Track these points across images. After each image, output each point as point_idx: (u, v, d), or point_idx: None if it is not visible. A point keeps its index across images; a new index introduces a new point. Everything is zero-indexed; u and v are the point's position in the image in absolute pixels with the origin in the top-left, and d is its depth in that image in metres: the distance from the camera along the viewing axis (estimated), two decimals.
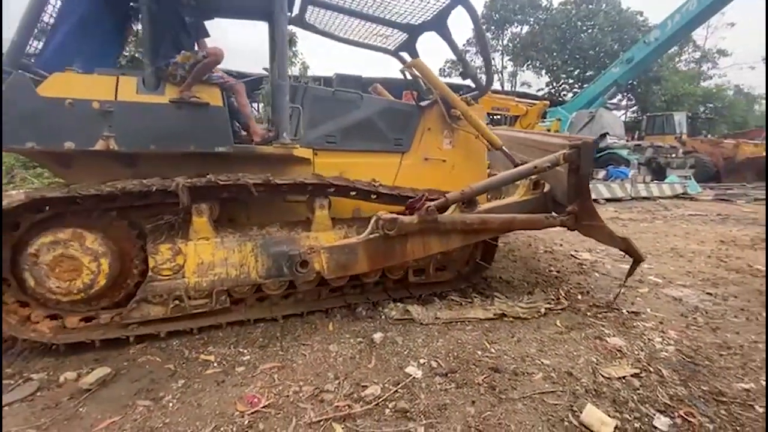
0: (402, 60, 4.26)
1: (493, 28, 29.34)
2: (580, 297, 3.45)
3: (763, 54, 29.73)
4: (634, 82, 25.01)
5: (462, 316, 2.97)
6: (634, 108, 28.11)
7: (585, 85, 21.19)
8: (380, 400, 2.03)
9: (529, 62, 29.52)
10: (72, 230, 2.50)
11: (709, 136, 19.13)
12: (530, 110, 12.48)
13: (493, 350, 2.54)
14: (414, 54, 4.17)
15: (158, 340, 2.64)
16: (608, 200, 9.37)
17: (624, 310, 3.15)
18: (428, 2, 3.43)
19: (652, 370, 2.32)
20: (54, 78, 2.49)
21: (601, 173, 11.63)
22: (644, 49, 15.67)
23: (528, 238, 5.49)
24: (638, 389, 2.13)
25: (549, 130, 13.10)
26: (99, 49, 3.10)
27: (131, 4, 3.25)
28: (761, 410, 1.98)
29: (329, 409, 1.97)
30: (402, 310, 3.03)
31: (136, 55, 9.15)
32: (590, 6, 26.49)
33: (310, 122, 3.19)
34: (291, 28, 4.55)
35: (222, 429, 1.84)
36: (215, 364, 2.41)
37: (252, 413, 1.93)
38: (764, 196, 9.92)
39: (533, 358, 2.45)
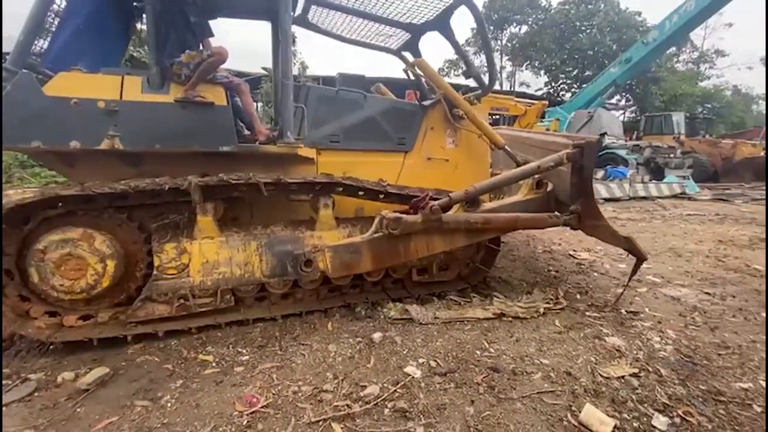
0: (404, 60, 4.27)
1: (492, 28, 29.33)
2: (578, 297, 3.45)
3: (761, 54, 29.92)
4: (633, 83, 25.05)
5: (461, 316, 2.97)
6: (633, 108, 28.14)
7: (583, 85, 21.18)
8: (379, 399, 2.03)
9: (528, 62, 29.56)
10: (83, 230, 2.53)
11: (707, 136, 19.16)
12: (529, 110, 12.49)
13: (492, 350, 2.54)
14: (417, 54, 4.18)
15: (156, 339, 2.63)
16: (607, 200, 9.39)
17: (622, 310, 3.15)
18: (431, 2, 3.43)
19: (650, 369, 2.33)
20: (60, 77, 2.51)
21: (600, 173, 11.66)
22: (643, 49, 15.68)
23: (526, 238, 5.49)
24: (637, 389, 2.14)
25: (548, 130, 13.12)
26: (103, 49, 3.11)
27: (135, 3, 3.24)
28: (759, 409, 1.98)
29: (328, 408, 1.97)
30: (401, 309, 3.03)
31: (134, 54, 9.14)
32: (589, 6, 26.52)
33: (313, 122, 3.19)
34: (291, 28, 4.57)
35: (221, 429, 1.83)
36: (214, 364, 2.40)
37: (251, 413, 1.93)
38: (762, 196, 9.96)
39: (532, 357, 2.45)
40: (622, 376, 2.24)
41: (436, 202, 2.81)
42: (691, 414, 1.94)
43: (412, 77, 3.94)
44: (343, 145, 3.30)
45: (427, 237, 2.87)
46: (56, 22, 2.75)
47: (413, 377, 2.23)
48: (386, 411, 1.96)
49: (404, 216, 2.77)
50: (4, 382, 2.20)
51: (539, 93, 27.39)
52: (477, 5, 3.44)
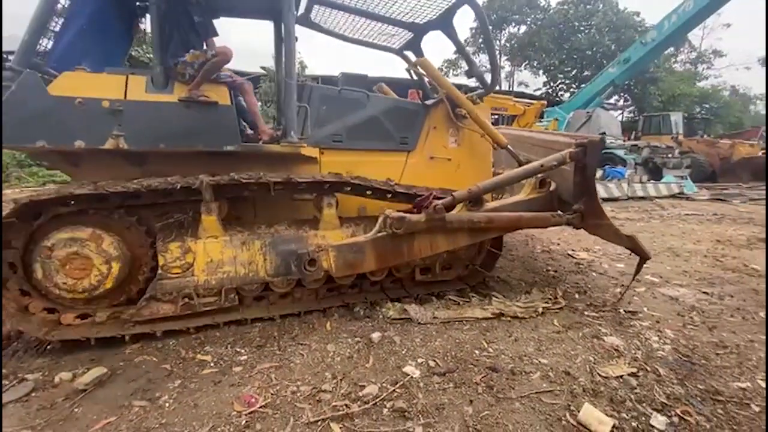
0: (407, 59, 4.27)
1: (491, 27, 29.28)
2: (577, 296, 3.46)
3: (759, 55, 29.99)
4: (631, 83, 25.08)
5: (460, 316, 2.97)
6: (631, 108, 28.19)
7: (582, 85, 21.20)
8: (378, 399, 2.03)
9: (527, 62, 29.56)
10: (92, 230, 2.54)
11: (705, 136, 19.23)
12: (528, 110, 12.51)
13: (490, 350, 2.54)
14: (419, 53, 4.18)
15: (155, 339, 2.63)
16: (605, 200, 9.40)
17: (621, 310, 3.16)
18: (434, 1, 3.42)
19: (649, 369, 2.33)
20: (64, 77, 2.52)
21: (598, 173, 11.67)
22: (641, 49, 15.71)
23: (525, 238, 5.50)
24: (635, 388, 2.14)
25: (546, 130, 13.13)
26: (107, 48, 3.12)
27: (138, 2, 3.24)
28: (757, 409, 1.99)
29: (327, 408, 1.96)
30: (400, 309, 3.02)
31: (132, 53, 9.11)
32: (588, 6, 26.54)
33: (316, 121, 3.20)
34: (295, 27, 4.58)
35: (219, 429, 1.83)
36: (212, 364, 2.39)
37: (249, 413, 1.92)
38: (759, 196, 9.99)
39: (531, 357, 2.45)
40: (621, 376, 2.24)
41: (440, 202, 2.81)
42: (690, 413, 1.94)
43: (414, 77, 3.94)
44: (346, 144, 3.30)
45: (430, 236, 2.88)
46: (60, 22, 2.76)
47: (412, 377, 2.23)
48: (385, 411, 1.96)
49: (408, 215, 2.77)
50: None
51: (538, 93, 27.43)
52: (479, 5, 3.43)
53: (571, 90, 26.55)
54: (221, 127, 2.79)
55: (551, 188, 3.20)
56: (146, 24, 3.33)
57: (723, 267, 4.34)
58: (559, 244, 5.26)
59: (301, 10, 3.71)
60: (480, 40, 27.18)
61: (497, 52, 30.48)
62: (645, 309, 3.20)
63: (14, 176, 10.39)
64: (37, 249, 2.46)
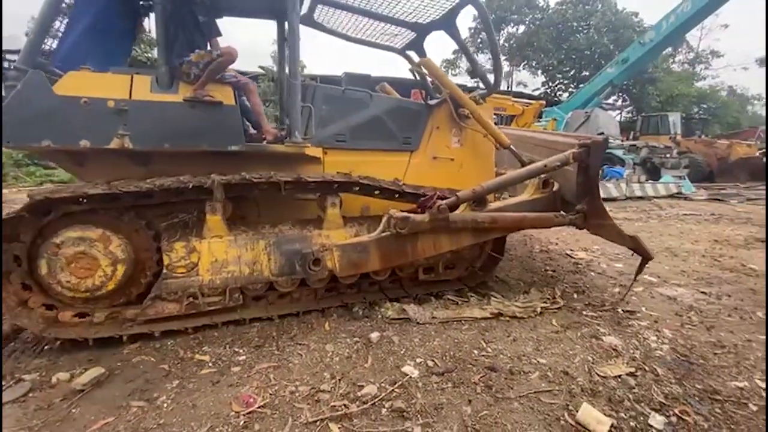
0: (410, 59, 4.27)
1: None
2: (575, 296, 3.46)
3: (756, 55, 30.13)
4: (630, 83, 25.11)
5: (458, 316, 2.97)
6: (629, 108, 28.23)
7: (581, 85, 21.21)
8: (377, 399, 2.03)
9: (525, 62, 29.57)
10: (102, 231, 2.55)
11: (702, 136, 19.28)
12: (526, 110, 12.52)
13: (489, 349, 2.54)
14: (421, 53, 4.18)
15: (152, 339, 2.62)
16: (603, 200, 9.33)
17: (619, 309, 3.16)
18: (438, 1, 3.42)
19: (647, 368, 2.34)
20: (69, 77, 2.52)
21: None
22: (639, 49, 15.73)
23: (523, 237, 5.50)
24: (634, 388, 2.14)
25: (545, 130, 13.15)
26: (111, 48, 3.13)
27: (141, 2, 3.24)
28: (755, 408, 1.99)
29: (325, 408, 1.96)
30: (398, 309, 3.02)
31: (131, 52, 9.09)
32: (586, 6, 26.56)
33: (320, 121, 3.20)
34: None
35: (217, 429, 1.82)
36: (210, 364, 2.39)
37: (247, 413, 1.92)
38: (757, 196, 10.03)
39: (529, 357, 2.45)
40: (619, 376, 2.25)
41: (444, 202, 2.81)
42: (688, 413, 1.95)
43: (417, 77, 3.93)
44: (349, 144, 3.30)
45: (434, 236, 2.88)
46: (65, 22, 2.77)
47: (411, 377, 2.23)
48: (384, 411, 1.95)
49: (412, 215, 2.78)
50: None
51: (536, 93, 27.44)
52: (483, 5, 3.43)
53: (570, 90, 26.58)
54: (226, 127, 2.79)
55: (554, 188, 3.21)
56: (149, 23, 3.32)
57: (721, 267, 4.35)
58: (557, 244, 5.27)
59: (305, 9, 3.71)
60: (478, 41, 27.19)
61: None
62: (643, 309, 3.21)
63: (11, 176, 10.35)
64: (44, 245, 2.47)
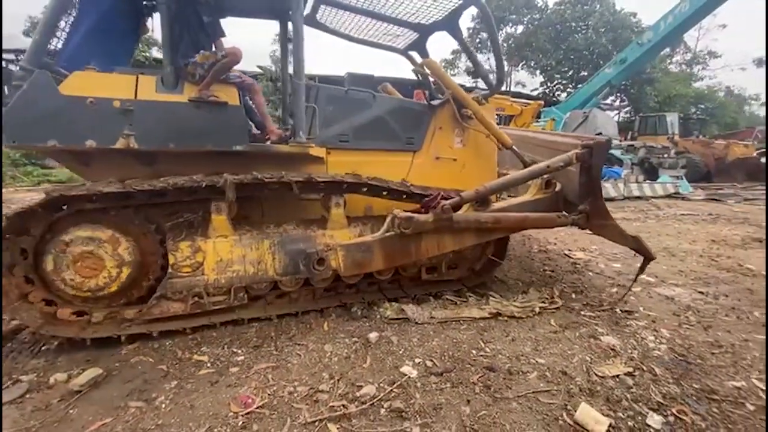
0: (412, 60, 4.27)
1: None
2: (574, 296, 3.47)
3: (754, 55, 30.25)
4: (628, 83, 25.17)
5: (457, 316, 2.97)
6: (627, 108, 28.28)
7: (579, 86, 21.23)
8: (375, 399, 2.03)
9: (524, 62, 29.60)
10: (111, 233, 2.56)
11: (700, 136, 19.34)
12: (525, 110, 12.52)
13: (488, 349, 2.55)
14: (424, 53, 4.18)
15: (151, 340, 2.61)
16: None
17: (617, 309, 3.17)
18: (440, 2, 3.42)
19: (645, 368, 2.34)
20: (75, 77, 2.52)
21: None
22: (638, 50, 15.75)
23: (522, 237, 5.51)
24: (632, 388, 2.15)
25: (543, 130, 13.17)
26: (115, 48, 3.13)
27: (144, 2, 3.24)
28: (752, 408, 2.00)
29: (324, 409, 1.96)
30: (397, 309, 3.02)
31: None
32: (585, 7, 26.59)
33: (324, 121, 3.20)
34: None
35: (216, 430, 1.82)
36: (208, 365, 2.39)
37: (246, 414, 1.92)
38: (754, 197, 10.07)
39: (528, 357, 2.46)
40: (617, 375, 2.25)
41: (447, 202, 2.82)
42: (685, 412, 1.95)
43: (420, 77, 3.93)
44: (352, 144, 3.31)
45: (437, 236, 2.89)
46: (70, 21, 2.77)
47: (409, 377, 2.23)
48: (382, 411, 1.96)
49: (416, 215, 2.79)
50: None
51: (535, 93, 27.46)
52: (486, 5, 3.43)
53: (568, 90, 26.63)
54: (230, 127, 2.80)
55: (557, 189, 3.21)
56: (152, 23, 3.33)
57: (718, 267, 4.36)
58: (555, 244, 5.28)
59: (307, 10, 3.71)
60: (477, 41, 27.21)
61: None
62: (641, 308, 3.22)
63: (9, 175, 10.32)
64: (53, 241, 2.48)
